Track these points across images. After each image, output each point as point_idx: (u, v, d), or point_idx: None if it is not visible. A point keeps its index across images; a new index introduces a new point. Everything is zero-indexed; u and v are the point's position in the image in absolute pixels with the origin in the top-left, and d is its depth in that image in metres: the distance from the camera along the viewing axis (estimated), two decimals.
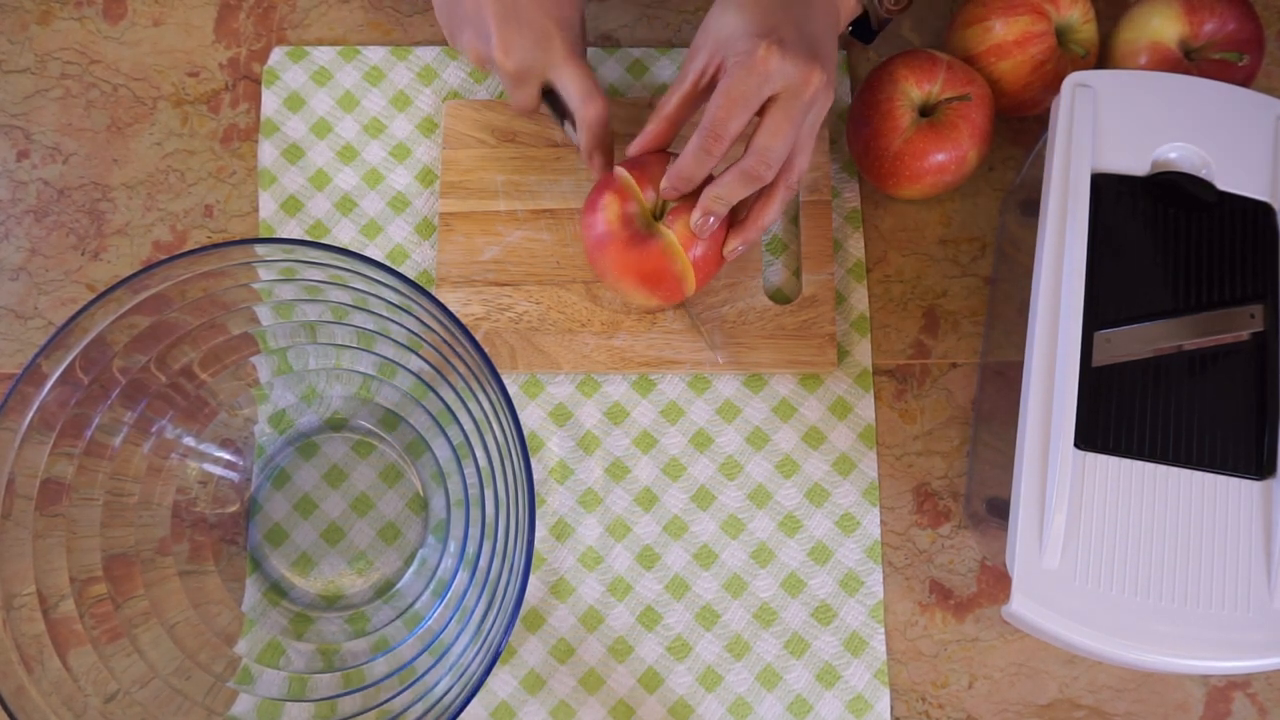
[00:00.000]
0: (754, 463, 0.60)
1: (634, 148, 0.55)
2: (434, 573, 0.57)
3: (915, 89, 0.58)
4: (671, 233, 0.54)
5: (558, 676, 0.58)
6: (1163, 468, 0.48)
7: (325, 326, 0.56)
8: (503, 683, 0.57)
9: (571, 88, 0.55)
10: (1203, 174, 0.51)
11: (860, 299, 0.62)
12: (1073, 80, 0.52)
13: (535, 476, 0.59)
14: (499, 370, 0.59)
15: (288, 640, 0.57)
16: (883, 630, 0.58)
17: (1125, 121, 0.52)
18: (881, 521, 0.60)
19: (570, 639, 0.58)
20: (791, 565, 0.59)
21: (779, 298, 0.62)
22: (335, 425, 0.61)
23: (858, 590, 0.58)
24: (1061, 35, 0.59)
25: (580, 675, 0.58)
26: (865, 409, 0.61)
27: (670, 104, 0.53)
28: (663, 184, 0.53)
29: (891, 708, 0.57)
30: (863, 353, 0.61)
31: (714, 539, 0.59)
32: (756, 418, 0.61)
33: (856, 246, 0.63)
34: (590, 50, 0.66)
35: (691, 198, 0.54)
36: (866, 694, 0.57)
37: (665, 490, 0.60)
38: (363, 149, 0.65)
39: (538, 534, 0.59)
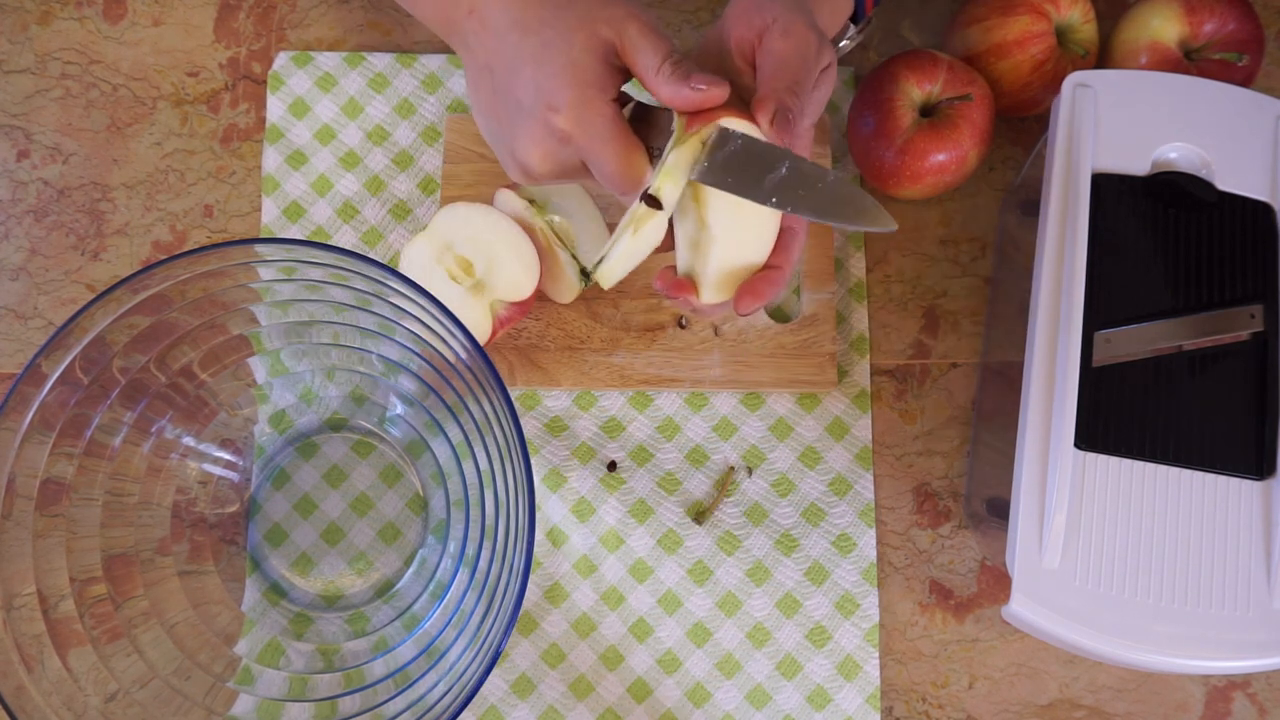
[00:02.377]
0: (750, 480, 0.60)
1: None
2: (433, 573, 0.57)
3: (916, 89, 0.58)
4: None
5: (548, 681, 0.58)
6: (1163, 468, 0.48)
7: (325, 327, 0.56)
8: (493, 686, 0.57)
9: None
10: (1203, 174, 0.51)
11: (860, 319, 0.62)
12: (1073, 80, 0.52)
13: None
14: None
15: (287, 640, 0.57)
16: (877, 655, 0.58)
17: (1125, 121, 0.52)
18: (881, 522, 0.60)
19: (562, 644, 0.58)
20: (787, 585, 0.58)
21: (779, 316, 0.62)
22: (335, 425, 0.61)
23: (853, 613, 0.58)
24: (1061, 35, 0.59)
25: (570, 681, 0.58)
26: (862, 430, 0.60)
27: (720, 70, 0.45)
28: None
29: None
30: (861, 373, 0.61)
31: (709, 555, 0.59)
32: (753, 436, 0.60)
33: (858, 266, 0.63)
34: None
35: None
36: (857, 718, 0.57)
37: (660, 504, 0.60)
38: (365, 156, 0.65)
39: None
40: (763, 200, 0.42)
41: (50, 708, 0.46)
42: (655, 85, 0.41)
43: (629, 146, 0.42)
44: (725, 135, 0.42)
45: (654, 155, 0.43)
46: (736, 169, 0.42)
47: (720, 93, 0.41)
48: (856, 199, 0.43)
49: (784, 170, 0.42)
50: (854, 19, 0.57)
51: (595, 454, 0.60)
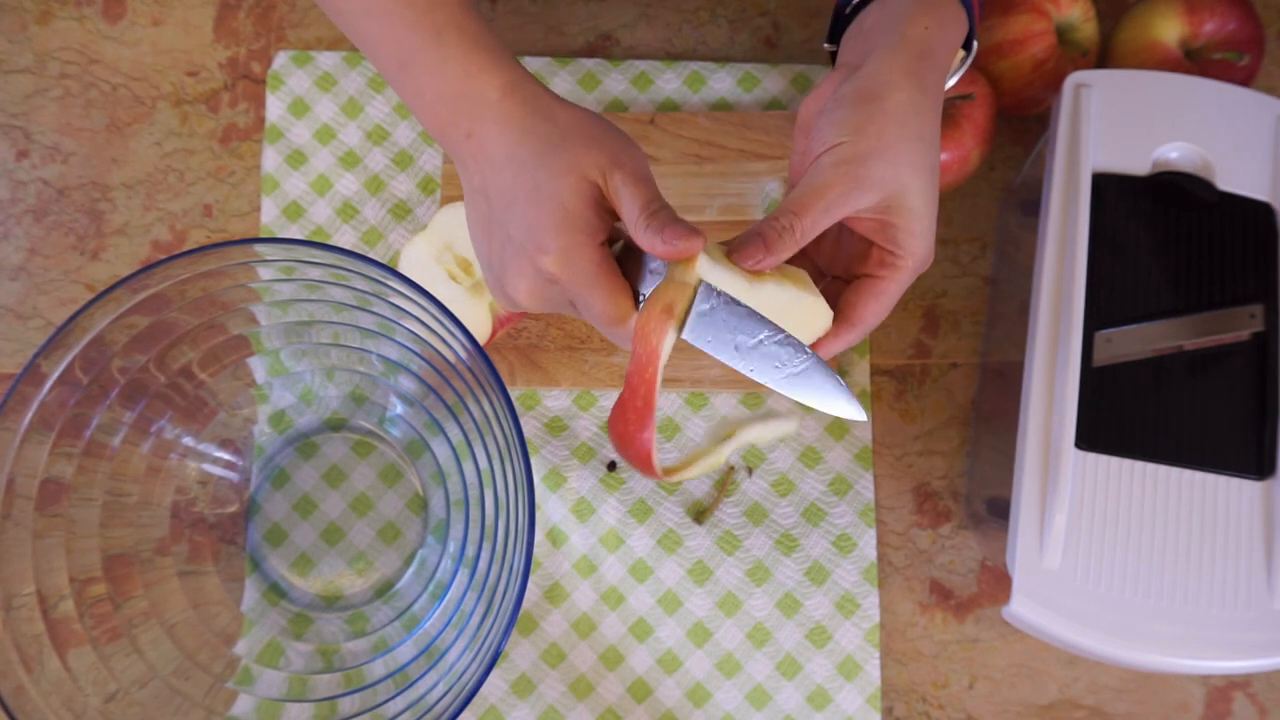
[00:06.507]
0: (750, 480, 0.60)
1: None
2: (433, 573, 0.57)
3: None
4: None
5: (548, 681, 0.57)
6: (1163, 468, 0.48)
7: (325, 327, 0.56)
8: (493, 686, 0.57)
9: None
10: (1203, 174, 0.51)
11: None
12: (1074, 80, 0.52)
13: None
14: None
15: (287, 640, 0.57)
16: (877, 655, 0.57)
17: (1126, 121, 0.52)
18: (881, 522, 0.60)
19: (562, 644, 0.58)
20: (787, 585, 0.58)
21: None
22: (335, 425, 0.61)
23: (853, 613, 0.58)
24: (1062, 34, 0.59)
25: (570, 681, 0.57)
26: (862, 430, 0.60)
27: (811, 226, 0.43)
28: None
29: None
30: (861, 373, 0.61)
31: (709, 555, 0.59)
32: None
33: None
34: (592, 61, 0.66)
35: None
36: (857, 718, 0.57)
37: (660, 504, 0.60)
38: (365, 156, 0.64)
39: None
40: (737, 364, 0.42)
41: (50, 708, 0.46)
42: (635, 234, 0.42)
43: (616, 290, 0.42)
44: (707, 292, 0.42)
45: (640, 297, 0.43)
46: (714, 328, 0.42)
47: (694, 245, 0.41)
48: (828, 387, 0.43)
49: (762, 338, 0.42)
50: (965, 45, 0.49)
51: (595, 454, 0.60)
